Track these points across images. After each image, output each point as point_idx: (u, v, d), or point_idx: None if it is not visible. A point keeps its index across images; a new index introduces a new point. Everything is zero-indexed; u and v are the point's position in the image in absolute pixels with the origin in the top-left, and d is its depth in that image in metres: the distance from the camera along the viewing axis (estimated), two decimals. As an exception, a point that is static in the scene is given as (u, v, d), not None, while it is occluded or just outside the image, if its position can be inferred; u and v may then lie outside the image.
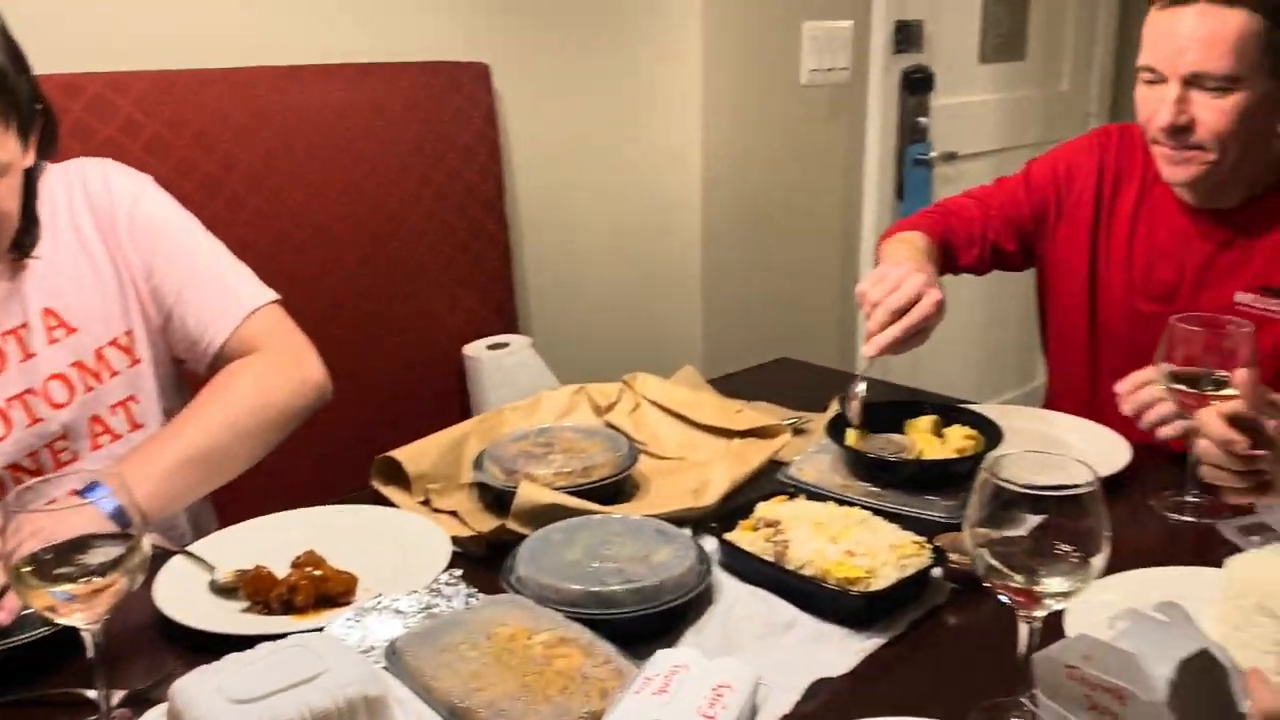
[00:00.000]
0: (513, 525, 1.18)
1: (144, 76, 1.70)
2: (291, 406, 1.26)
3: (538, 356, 2.08)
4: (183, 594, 1.07)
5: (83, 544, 0.80)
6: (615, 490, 1.29)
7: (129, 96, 1.67)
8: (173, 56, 1.74)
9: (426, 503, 1.29)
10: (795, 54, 2.50)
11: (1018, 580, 0.81)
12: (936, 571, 1.08)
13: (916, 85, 2.77)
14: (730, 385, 1.66)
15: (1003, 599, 0.83)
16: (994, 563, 0.81)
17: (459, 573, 1.07)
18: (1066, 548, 0.80)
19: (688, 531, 1.14)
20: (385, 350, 2.04)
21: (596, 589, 1.00)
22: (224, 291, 1.28)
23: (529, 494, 1.19)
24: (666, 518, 1.21)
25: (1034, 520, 0.79)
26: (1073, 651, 0.72)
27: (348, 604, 1.05)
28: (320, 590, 1.05)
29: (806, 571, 1.06)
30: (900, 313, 1.26)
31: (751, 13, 2.40)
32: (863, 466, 1.30)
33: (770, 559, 1.08)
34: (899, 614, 1.04)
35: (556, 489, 1.22)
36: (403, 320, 2.06)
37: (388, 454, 1.32)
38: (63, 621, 0.81)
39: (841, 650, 0.98)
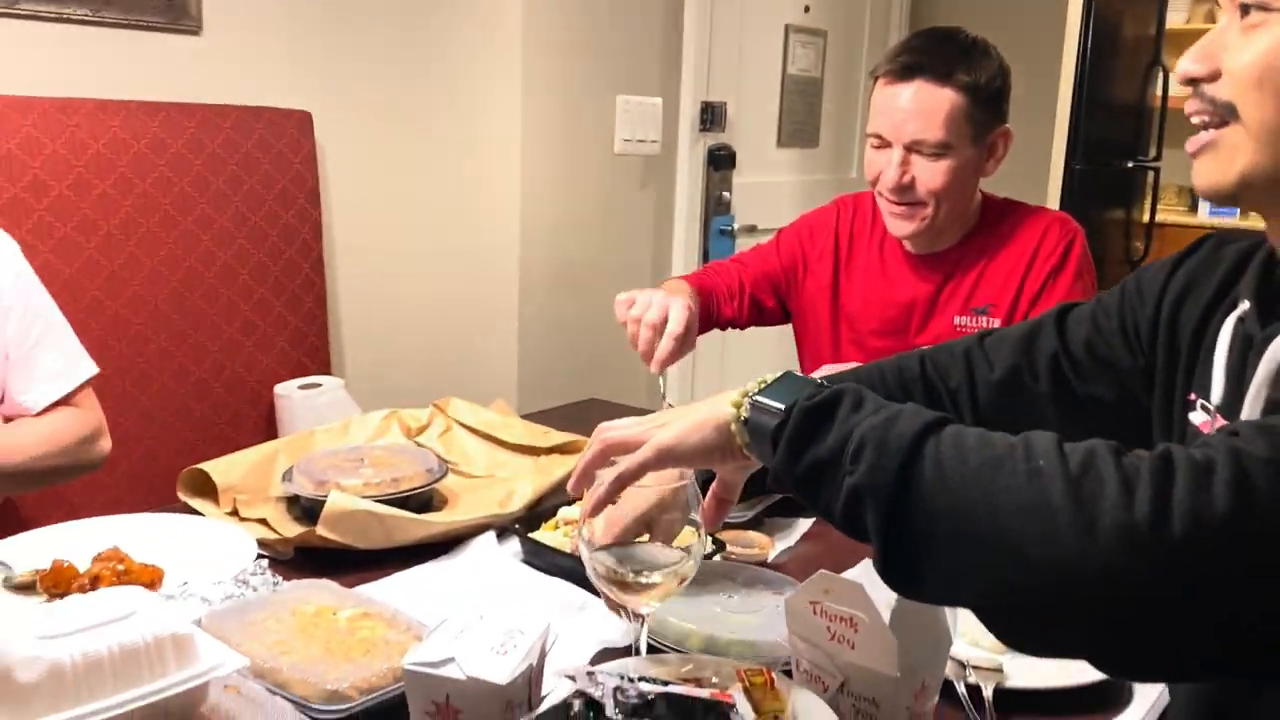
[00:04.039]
0: (322, 531, 1.22)
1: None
2: (77, 465, 1.45)
3: (350, 398, 2.11)
4: (-26, 593, 1.06)
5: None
6: (424, 501, 1.35)
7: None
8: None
9: (234, 513, 1.31)
10: (610, 124, 2.67)
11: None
12: (717, 559, 1.19)
13: (720, 162, 2.99)
14: (541, 420, 1.75)
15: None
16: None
17: (265, 562, 1.11)
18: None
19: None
20: (194, 386, 2.03)
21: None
22: (65, 358, 1.45)
23: (339, 501, 1.23)
24: (475, 524, 1.29)
25: None
26: (815, 588, 0.84)
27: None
28: (123, 583, 1.05)
29: (600, 561, 1.15)
30: (658, 326, 1.39)
31: (569, 82, 2.56)
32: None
33: (569, 551, 1.17)
34: (682, 598, 1.14)
35: (366, 498, 1.27)
36: (213, 358, 2.06)
37: (196, 466, 1.34)
38: None
39: (627, 627, 1.07)
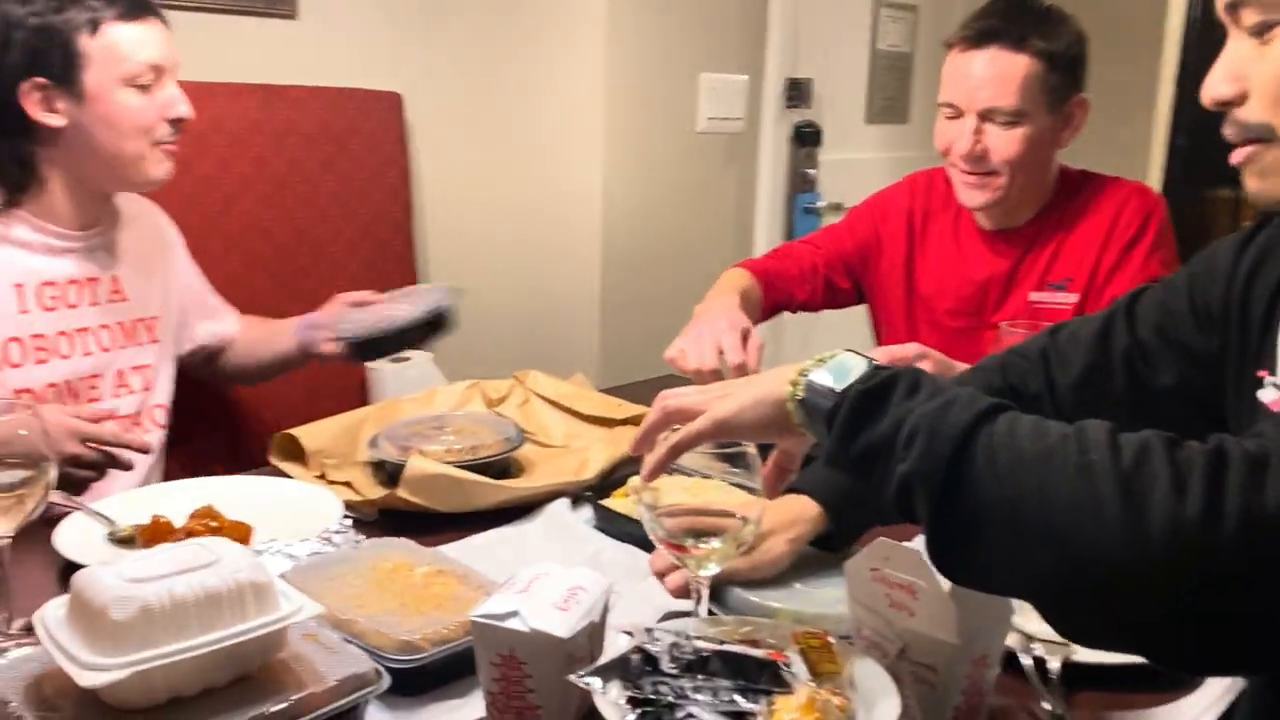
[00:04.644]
0: (403, 493, 1.26)
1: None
2: None
3: (438, 371, 2.17)
4: (81, 544, 1.13)
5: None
6: (502, 468, 1.38)
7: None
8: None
9: (322, 476, 1.37)
10: (693, 102, 2.67)
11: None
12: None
13: (806, 139, 2.96)
14: (618, 395, 1.77)
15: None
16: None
17: (349, 521, 1.16)
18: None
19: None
20: (290, 359, 2.10)
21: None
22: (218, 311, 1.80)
23: (419, 465, 1.28)
24: (550, 490, 1.32)
25: None
26: (875, 555, 0.84)
27: (242, 551, 1.12)
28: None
29: (668, 528, 1.17)
30: (719, 369, 1.40)
31: (653, 61, 2.57)
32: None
33: (637, 518, 1.19)
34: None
35: (446, 464, 1.31)
36: (308, 331, 2.13)
37: (286, 431, 1.40)
38: None
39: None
